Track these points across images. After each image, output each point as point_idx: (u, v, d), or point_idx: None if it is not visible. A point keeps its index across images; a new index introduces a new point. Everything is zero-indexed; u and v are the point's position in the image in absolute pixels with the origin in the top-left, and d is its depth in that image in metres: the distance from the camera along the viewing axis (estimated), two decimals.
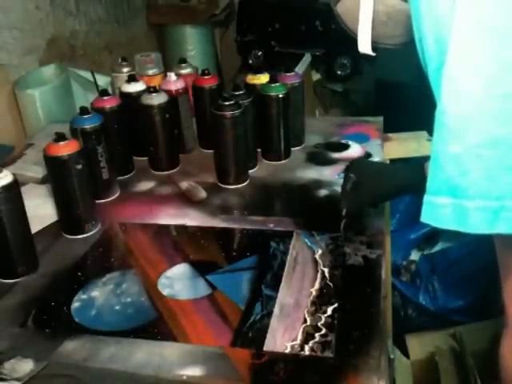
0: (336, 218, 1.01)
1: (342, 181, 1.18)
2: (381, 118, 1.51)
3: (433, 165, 0.57)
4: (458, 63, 0.54)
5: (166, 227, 1.10)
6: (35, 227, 1.04)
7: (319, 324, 0.81)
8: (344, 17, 0.82)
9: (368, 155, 1.31)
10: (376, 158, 1.30)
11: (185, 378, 0.74)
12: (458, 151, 0.54)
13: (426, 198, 0.58)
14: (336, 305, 0.85)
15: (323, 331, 0.80)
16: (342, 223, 1.01)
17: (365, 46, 0.80)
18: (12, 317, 0.87)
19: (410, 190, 1.06)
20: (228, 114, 1.16)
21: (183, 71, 1.46)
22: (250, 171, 1.27)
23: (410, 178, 0.97)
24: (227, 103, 1.16)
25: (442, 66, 0.55)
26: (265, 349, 0.78)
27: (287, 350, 0.77)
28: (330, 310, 0.84)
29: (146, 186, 1.27)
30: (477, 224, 0.55)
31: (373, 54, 0.81)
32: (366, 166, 1.07)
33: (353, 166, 1.04)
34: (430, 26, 0.56)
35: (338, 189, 1.16)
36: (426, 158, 1.09)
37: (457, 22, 0.53)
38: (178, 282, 0.94)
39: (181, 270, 0.97)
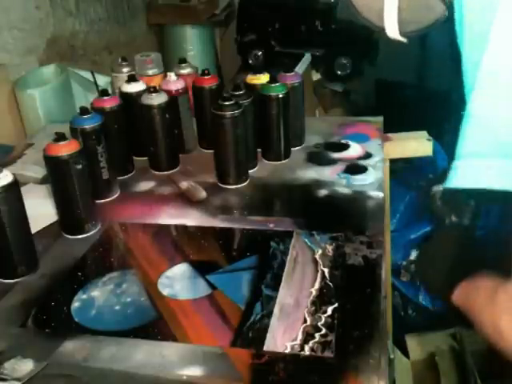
0: (336, 218, 1.01)
1: (342, 181, 1.19)
2: (381, 118, 1.51)
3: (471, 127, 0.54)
4: (499, 56, 0.51)
5: (166, 227, 1.10)
6: (35, 227, 1.04)
7: (319, 324, 0.81)
8: (359, 4, 0.77)
9: (368, 155, 1.31)
10: (376, 158, 1.30)
11: (185, 378, 0.74)
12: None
13: (468, 161, 0.54)
14: (336, 305, 0.85)
15: (323, 331, 0.80)
16: None
17: (393, 31, 0.75)
18: (12, 317, 0.87)
19: None
20: (228, 113, 1.16)
21: (183, 71, 1.45)
22: (250, 171, 1.27)
23: None
24: (227, 103, 1.16)
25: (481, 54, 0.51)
26: (265, 349, 0.77)
27: (287, 350, 0.77)
28: (330, 310, 0.84)
29: (146, 186, 1.26)
30: None
31: (404, 41, 0.76)
32: None
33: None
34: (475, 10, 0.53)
35: (338, 189, 1.17)
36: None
37: (500, 10, 0.50)
38: (177, 282, 0.94)
39: (181, 269, 0.97)
